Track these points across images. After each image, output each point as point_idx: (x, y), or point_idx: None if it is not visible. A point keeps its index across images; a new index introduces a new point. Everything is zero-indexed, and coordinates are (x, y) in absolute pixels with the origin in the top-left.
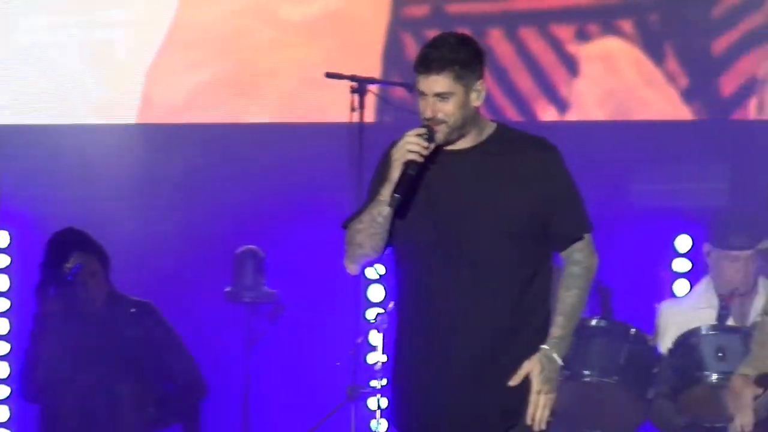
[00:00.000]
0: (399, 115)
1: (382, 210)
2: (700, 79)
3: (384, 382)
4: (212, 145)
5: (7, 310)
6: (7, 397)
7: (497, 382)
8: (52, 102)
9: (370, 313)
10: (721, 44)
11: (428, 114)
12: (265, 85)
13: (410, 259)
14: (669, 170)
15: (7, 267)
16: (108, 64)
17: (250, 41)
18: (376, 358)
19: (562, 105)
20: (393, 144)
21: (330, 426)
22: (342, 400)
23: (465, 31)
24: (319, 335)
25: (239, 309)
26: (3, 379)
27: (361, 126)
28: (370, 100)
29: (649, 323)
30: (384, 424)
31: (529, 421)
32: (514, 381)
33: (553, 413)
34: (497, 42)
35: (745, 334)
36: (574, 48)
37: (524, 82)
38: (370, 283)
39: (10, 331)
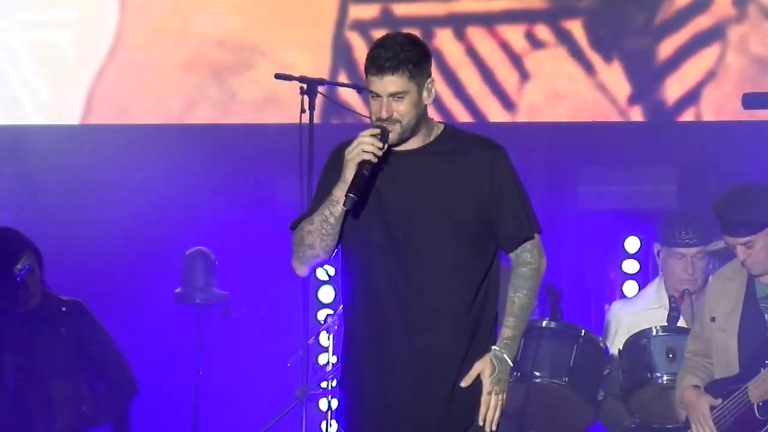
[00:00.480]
0: (346, 116)
1: (334, 210)
2: (646, 81)
3: (334, 383)
4: (160, 146)
5: None
6: None
7: (448, 383)
8: None
9: (321, 315)
10: (666, 47)
11: (384, 114)
12: (214, 86)
13: (359, 259)
14: (617, 172)
15: None
16: (53, 64)
17: (198, 42)
18: (327, 359)
19: (510, 106)
20: (340, 145)
21: (281, 427)
22: (292, 401)
23: (413, 32)
24: (269, 336)
25: (189, 310)
26: None
27: (310, 127)
28: (318, 101)
29: (599, 324)
30: (335, 425)
31: (480, 422)
32: (466, 382)
33: (503, 414)
34: (445, 43)
35: None
36: (523, 49)
37: (473, 83)
38: (320, 285)
39: None
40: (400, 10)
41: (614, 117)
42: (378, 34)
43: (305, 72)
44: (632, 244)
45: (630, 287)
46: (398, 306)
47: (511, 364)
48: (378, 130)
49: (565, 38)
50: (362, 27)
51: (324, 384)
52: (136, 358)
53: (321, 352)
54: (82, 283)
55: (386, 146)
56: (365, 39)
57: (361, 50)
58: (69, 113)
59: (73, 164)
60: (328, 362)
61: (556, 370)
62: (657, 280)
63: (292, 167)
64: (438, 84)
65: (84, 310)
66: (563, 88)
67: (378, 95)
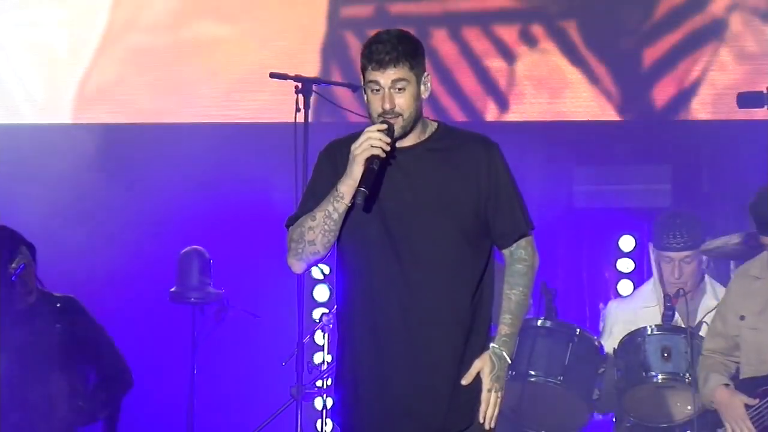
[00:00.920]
0: (340, 115)
1: (338, 206)
2: (641, 80)
3: (329, 382)
4: (154, 145)
5: None
6: None
7: (448, 381)
8: None
9: (316, 313)
10: (661, 46)
11: (387, 105)
12: (208, 85)
13: (356, 256)
14: (612, 171)
15: None
16: (48, 63)
17: (192, 41)
18: (322, 358)
19: (505, 105)
20: (330, 144)
21: (276, 426)
22: (287, 400)
23: (409, 30)
24: (264, 335)
25: (184, 309)
26: None
27: (305, 126)
28: (313, 100)
29: (593, 323)
30: (330, 424)
31: (481, 419)
32: (466, 380)
33: (500, 412)
34: (440, 42)
35: (690, 334)
36: (518, 48)
37: (468, 82)
38: (315, 284)
39: None
40: (395, 8)
41: (608, 116)
42: (373, 32)
43: (299, 71)
44: (627, 242)
45: (624, 286)
46: (396, 303)
47: (510, 361)
48: (385, 126)
49: (559, 37)
50: (357, 26)
51: (319, 383)
52: (131, 357)
53: (316, 351)
54: (78, 282)
55: (393, 141)
56: (360, 38)
57: (356, 49)
58: (64, 112)
59: (68, 163)
60: (323, 361)
61: (551, 369)
62: (653, 278)
63: (287, 166)
64: (433, 83)
65: (78, 306)
66: (558, 87)
67: (379, 88)
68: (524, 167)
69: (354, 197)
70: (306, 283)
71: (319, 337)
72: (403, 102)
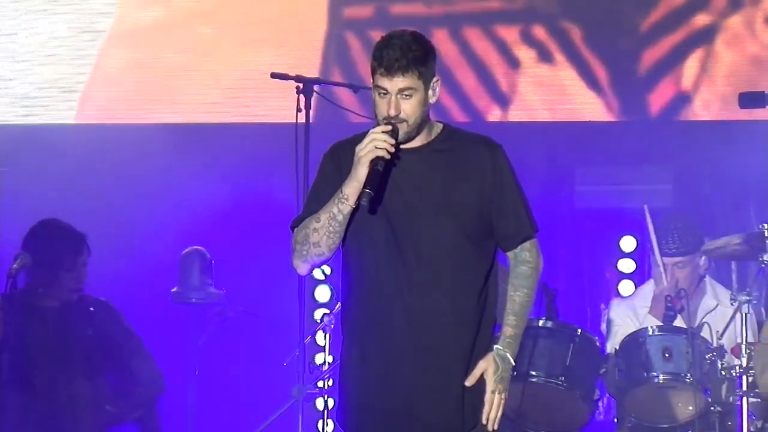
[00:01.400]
0: (342, 116)
1: (343, 208)
2: (642, 80)
3: (330, 382)
4: (156, 145)
5: None
6: None
7: (453, 382)
8: None
9: (317, 314)
10: (663, 46)
11: (392, 111)
12: (209, 86)
13: (361, 257)
14: (613, 171)
15: None
16: (52, 64)
17: (193, 42)
18: (323, 358)
19: (506, 106)
20: (334, 146)
21: (277, 427)
22: (288, 400)
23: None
24: (265, 336)
25: (186, 309)
26: None
27: (306, 126)
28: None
29: (594, 324)
30: (331, 424)
31: (484, 421)
32: (470, 381)
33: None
34: (442, 42)
35: (691, 335)
36: (519, 49)
37: (469, 82)
38: (317, 284)
39: None
40: (396, 9)
41: (610, 116)
42: (374, 33)
43: (300, 71)
44: (628, 243)
45: (625, 286)
46: (400, 304)
47: (513, 363)
48: (389, 127)
49: (561, 38)
50: (358, 26)
51: (320, 383)
52: None
53: (317, 352)
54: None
55: (397, 143)
56: (361, 38)
57: (357, 50)
58: (67, 113)
59: (70, 164)
60: (324, 361)
61: (552, 369)
62: (652, 279)
63: (288, 166)
64: None
65: (112, 310)
66: (559, 87)
67: (386, 93)
68: (525, 168)
69: (359, 199)
70: (307, 283)
71: (321, 338)
72: (408, 108)
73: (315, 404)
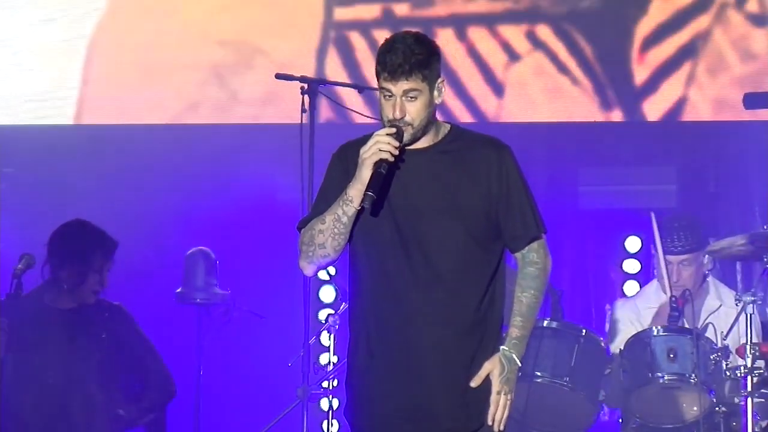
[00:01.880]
0: (346, 116)
1: (347, 210)
2: (647, 81)
3: (335, 383)
4: (161, 146)
5: None
6: None
7: (459, 382)
8: None
9: (322, 314)
10: (668, 47)
11: (397, 114)
12: (214, 86)
13: (367, 258)
14: (617, 172)
15: None
16: (52, 65)
17: (197, 42)
18: (328, 358)
19: (510, 106)
20: (342, 147)
21: (282, 427)
22: (293, 400)
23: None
24: (270, 336)
25: (190, 310)
26: None
27: (311, 127)
28: (319, 102)
29: (599, 324)
30: (336, 425)
31: (489, 421)
32: (476, 382)
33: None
34: (446, 43)
35: (696, 335)
36: (524, 49)
37: (473, 83)
38: (321, 285)
39: None
40: (400, 10)
41: (614, 117)
42: (379, 33)
43: (305, 72)
44: (633, 243)
45: (630, 287)
46: (407, 304)
47: (519, 364)
48: (393, 129)
49: (565, 39)
50: (363, 27)
51: (325, 384)
52: None
53: (322, 352)
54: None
55: (401, 145)
56: (366, 39)
57: (362, 50)
58: (69, 113)
59: (73, 164)
60: (329, 362)
61: (557, 369)
62: (657, 279)
63: (293, 167)
64: None
65: (125, 315)
66: (563, 88)
67: (391, 95)
68: (529, 168)
69: (362, 201)
70: (312, 284)
71: (325, 338)
72: (413, 110)
73: (320, 404)
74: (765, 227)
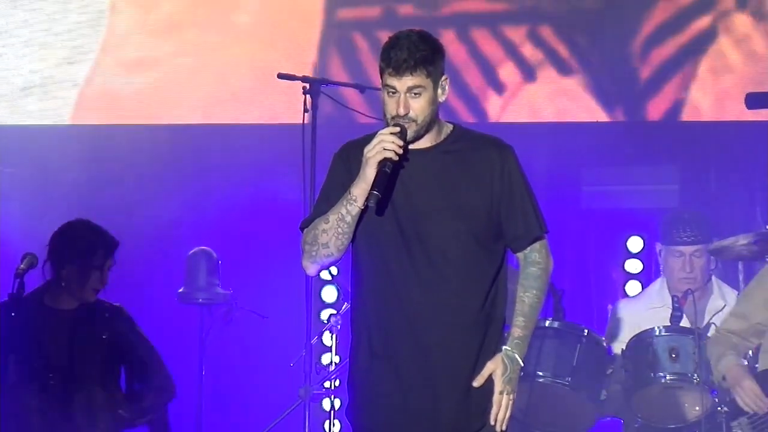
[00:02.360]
0: (348, 116)
1: (351, 209)
2: (649, 81)
3: (337, 383)
4: (163, 146)
5: None
6: None
7: (461, 382)
8: None
9: (324, 315)
10: (669, 47)
11: (401, 110)
12: (216, 86)
13: (370, 258)
14: (619, 172)
15: None
16: (53, 64)
17: (199, 42)
18: (330, 359)
19: (513, 106)
20: (344, 146)
21: (284, 427)
22: (295, 400)
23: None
24: (272, 336)
25: (192, 310)
26: None
27: (313, 127)
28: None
29: (601, 324)
30: (338, 425)
31: (492, 421)
32: (478, 382)
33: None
34: (449, 43)
35: (698, 335)
36: (526, 49)
37: (475, 82)
38: (323, 285)
39: None
40: (403, 10)
41: (616, 117)
42: (381, 33)
43: (307, 72)
44: (635, 243)
45: (632, 287)
46: (409, 304)
47: (522, 364)
48: (398, 128)
49: (567, 39)
50: (365, 27)
51: (327, 384)
52: None
53: (324, 352)
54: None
55: (406, 143)
56: (368, 39)
57: (364, 50)
58: (70, 113)
59: (74, 164)
60: (331, 362)
61: (558, 369)
62: (660, 279)
63: (295, 167)
64: None
65: (125, 316)
66: (565, 88)
67: (395, 92)
68: (531, 168)
69: (366, 200)
70: (314, 284)
71: (327, 338)
72: (417, 107)
73: (322, 404)
74: (767, 227)
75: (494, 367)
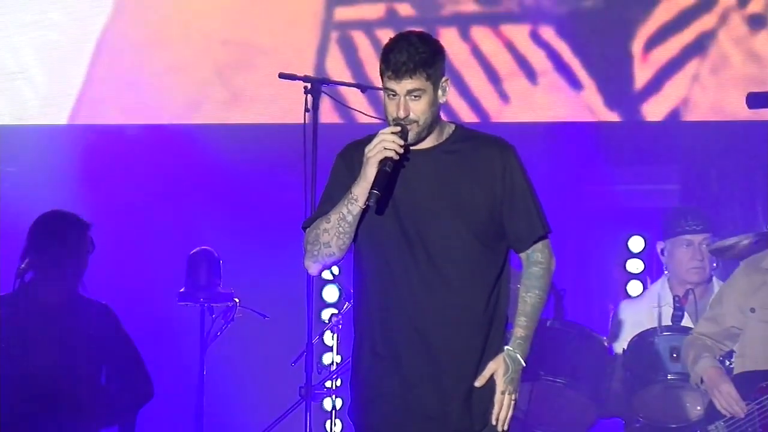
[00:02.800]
0: (350, 116)
1: (352, 208)
2: (651, 81)
3: (339, 382)
4: (163, 145)
5: None
6: None
7: (464, 382)
8: None
9: (325, 314)
10: (671, 46)
11: (401, 113)
12: (217, 86)
13: (372, 257)
14: (620, 171)
15: None
16: (55, 64)
17: (200, 42)
18: (331, 358)
19: (513, 106)
20: (347, 146)
21: (285, 426)
22: (296, 400)
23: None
24: (273, 336)
25: (194, 309)
26: None
27: (314, 127)
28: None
29: (602, 324)
30: (339, 424)
31: (494, 421)
32: (480, 382)
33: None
34: (450, 43)
35: None
36: (527, 49)
37: (476, 82)
38: (324, 284)
39: None
40: (404, 10)
41: (617, 116)
42: (382, 33)
43: (308, 71)
44: (636, 243)
45: (634, 286)
46: (411, 304)
47: (524, 364)
48: (398, 128)
49: (568, 38)
50: (366, 26)
51: (328, 383)
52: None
53: (325, 352)
54: (86, 282)
55: (406, 143)
56: (369, 38)
57: (365, 49)
58: (72, 113)
59: (75, 164)
60: (332, 361)
61: (559, 369)
62: (661, 279)
63: (296, 167)
64: None
65: (111, 315)
66: (567, 88)
67: (395, 95)
68: (533, 168)
69: (367, 199)
70: (315, 283)
71: (329, 338)
72: (418, 109)
73: (323, 404)
74: None
75: (496, 367)
